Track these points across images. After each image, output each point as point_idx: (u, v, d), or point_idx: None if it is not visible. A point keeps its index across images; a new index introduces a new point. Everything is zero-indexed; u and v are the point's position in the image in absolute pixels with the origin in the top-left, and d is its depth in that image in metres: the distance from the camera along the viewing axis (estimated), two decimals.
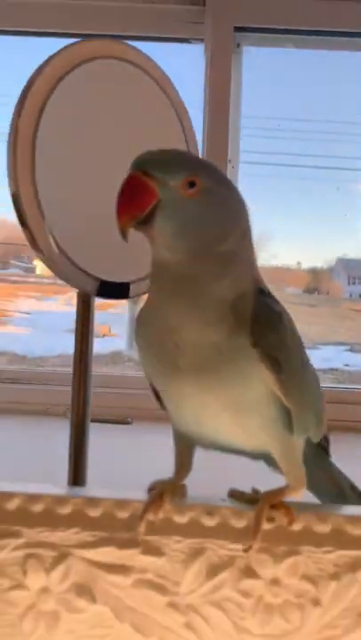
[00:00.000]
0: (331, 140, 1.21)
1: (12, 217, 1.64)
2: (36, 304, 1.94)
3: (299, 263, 1.65)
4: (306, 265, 1.67)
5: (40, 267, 1.99)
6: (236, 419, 0.45)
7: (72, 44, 0.52)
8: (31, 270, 1.99)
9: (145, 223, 0.41)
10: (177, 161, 0.43)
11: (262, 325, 0.43)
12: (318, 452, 0.55)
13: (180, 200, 0.41)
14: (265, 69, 1.03)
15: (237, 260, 0.44)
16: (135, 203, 0.41)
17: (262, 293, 0.45)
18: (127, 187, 0.40)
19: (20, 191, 0.55)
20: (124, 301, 1.82)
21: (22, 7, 0.92)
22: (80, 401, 0.59)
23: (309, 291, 1.72)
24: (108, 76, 0.55)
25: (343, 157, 1.25)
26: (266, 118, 1.11)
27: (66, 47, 0.52)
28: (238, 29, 0.95)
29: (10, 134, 0.54)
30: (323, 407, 0.52)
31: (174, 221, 0.42)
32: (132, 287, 0.61)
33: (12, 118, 0.54)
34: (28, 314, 1.93)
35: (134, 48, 0.56)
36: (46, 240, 0.57)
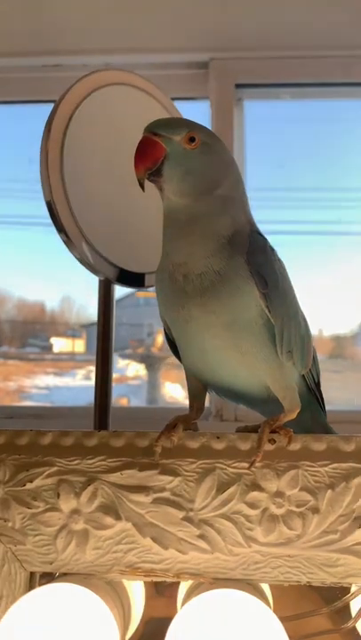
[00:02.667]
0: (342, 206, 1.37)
1: (30, 297, 1.84)
2: (54, 380, 2.09)
3: (320, 331, 1.80)
4: (328, 332, 1.82)
5: (57, 345, 2.18)
6: (234, 339, 0.59)
7: (89, 74, 0.74)
8: (48, 348, 2.17)
9: (156, 175, 0.59)
10: (178, 121, 0.62)
11: (254, 250, 0.59)
12: (312, 401, 0.68)
13: (184, 152, 0.58)
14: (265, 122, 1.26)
15: (233, 203, 0.61)
16: (147, 157, 0.57)
17: (257, 233, 0.61)
18: (141, 146, 0.58)
19: (53, 199, 0.74)
20: (142, 373, 1.98)
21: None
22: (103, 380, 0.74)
23: (333, 357, 1.86)
24: (119, 99, 0.76)
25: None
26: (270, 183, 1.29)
27: (83, 76, 0.74)
28: (239, 86, 1.19)
29: (41, 150, 0.74)
30: (309, 342, 0.65)
31: (179, 169, 0.58)
32: (147, 277, 0.78)
33: (42, 139, 0.74)
34: (47, 389, 2.09)
35: (140, 76, 0.78)
36: (79, 240, 0.75)
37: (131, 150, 0.75)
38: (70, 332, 2.14)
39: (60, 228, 0.73)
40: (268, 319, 0.59)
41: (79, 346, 2.13)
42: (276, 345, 0.59)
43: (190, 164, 0.58)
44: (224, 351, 0.60)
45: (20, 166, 1.36)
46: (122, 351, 2.01)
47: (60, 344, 2.16)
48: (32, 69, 1.12)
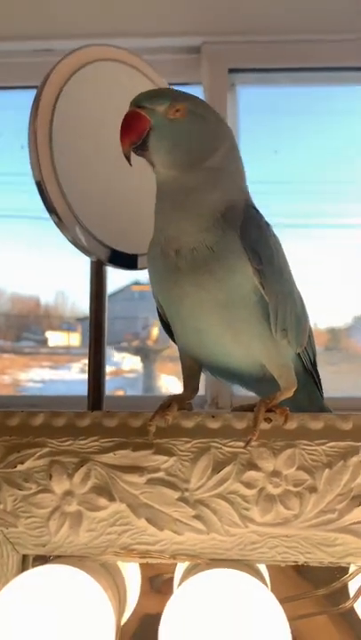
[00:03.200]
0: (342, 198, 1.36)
1: (25, 291, 1.83)
2: (49, 373, 2.08)
3: (315, 323, 1.80)
4: (323, 325, 1.82)
5: (52, 338, 2.17)
6: (228, 317, 0.57)
7: (76, 50, 0.73)
8: (43, 342, 2.16)
9: (143, 149, 0.57)
10: (163, 92, 0.61)
11: (248, 225, 0.57)
12: (308, 381, 0.66)
13: (168, 122, 0.56)
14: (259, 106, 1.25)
15: (225, 175, 0.59)
16: (132, 130, 0.56)
17: (252, 208, 0.60)
18: (125, 120, 0.57)
19: (43, 179, 0.73)
20: (138, 366, 1.97)
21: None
22: (95, 354, 0.73)
23: (329, 349, 1.86)
24: (108, 75, 0.75)
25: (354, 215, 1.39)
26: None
27: (70, 52, 0.72)
28: (232, 71, 1.17)
29: (30, 131, 0.72)
30: (305, 320, 0.64)
31: (165, 140, 0.56)
32: (139, 259, 0.77)
33: (30, 118, 0.71)
34: (42, 382, 2.08)
35: (129, 51, 0.77)
36: (71, 220, 0.73)
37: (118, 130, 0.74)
38: (65, 325, 2.13)
39: (51, 209, 0.71)
40: (263, 296, 0.57)
41: (74, 339, 2.12)
42: (271, 323, 0.58)
43: (176, 135, 0.57)
44: (218, 329, 0.58)
45: (13, 154, 1.34)
46: (117, 345, 2.00)
47: (55, 337, 2.15)
48: (22, 54, 1.11)
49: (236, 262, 0.56)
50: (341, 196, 1.36)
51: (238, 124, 1.21)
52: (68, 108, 0.71)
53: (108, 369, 2.00)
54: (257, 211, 0.61)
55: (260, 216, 0.60)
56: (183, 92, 0.59)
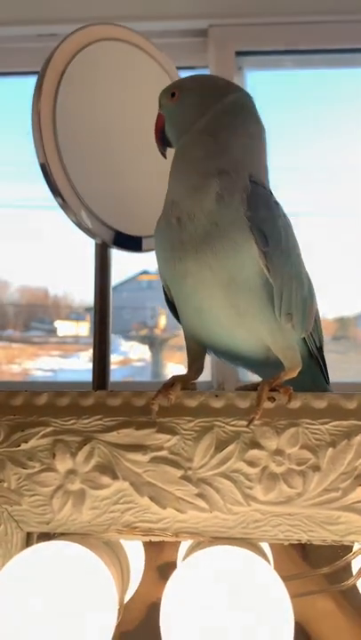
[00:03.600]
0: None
1: (33, 283, 1.83)
2: (58, 362, 2.09)
3: (324, 314, 1.80)
4: (332, 314, 1.82)
5: (61, 328, 2.18)
6: (231, 298, 0.57)
7: (79, 29, 0.73)
8: (52, 331, 2.17)
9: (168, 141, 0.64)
10: (168, 86, 0.64)
11: (255, 203, 0.56)
12: (313, 366, 0.66)
13: (169, 108, 0.63)
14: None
15: (215, 140, 0.59)
16: (155, 130, 0.65)
17: (259, 185, 0.59)
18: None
19: (48, 161, 0.73)
20: (146, 355, 1.98)
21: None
22: (101, 335, 0.73)
23: (337, 338, 1.86)
24: (112, 55, 0.75)
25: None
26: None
27: (74, 31, 0.72)
28: (239, 54, 1.17)
29: (33, 112, 0.72)
30: (311, 304, 0.63)
31: (169, 123, 0.63)
32: (144, 241, 0.77)
33: (33, 99, 0.72)
34: (51, 371, 2.09)
35: (133, 31, 0.77)
36: (75, 202, 0.73)
37: (126, 108, 0.74)
38: (74, 315, 2.14)
39: (56, 191, 0.71)
40: (268, 279, 0.57)
41: (83, 329, 2.13)
42: (275, 306, 0.57)
43: (175, 115, 0.62)
44: (221, 310, 0.58)
45: (19, 142, 1.34)
46: (126, 334, 2.00)
47: (64, 327, 2.16)
48: (26, 39, 1.10)
49: (240, 241, 0.55)
50: (352, 183, 1.35)
51: None
52: (72, 88, 0.71)
53: (117, 358, 2.01)
54: (265, 188, 0.60)
55: (269, 193, 0.59)
56: (182, 78, 0.64)
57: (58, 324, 2.16)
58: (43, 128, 0.71)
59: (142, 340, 1.96)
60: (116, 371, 1.99)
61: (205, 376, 1.18)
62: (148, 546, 0.69)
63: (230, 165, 0.58)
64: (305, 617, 0.74)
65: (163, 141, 0.64)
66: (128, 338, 2.00)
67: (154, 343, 1.90)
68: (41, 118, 0.70)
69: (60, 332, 2.14)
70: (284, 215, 0.60)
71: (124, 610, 0.66)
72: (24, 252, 1.65)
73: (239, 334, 0.59)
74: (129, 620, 0.72)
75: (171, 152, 0.63)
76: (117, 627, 0.71)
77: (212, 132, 0.60)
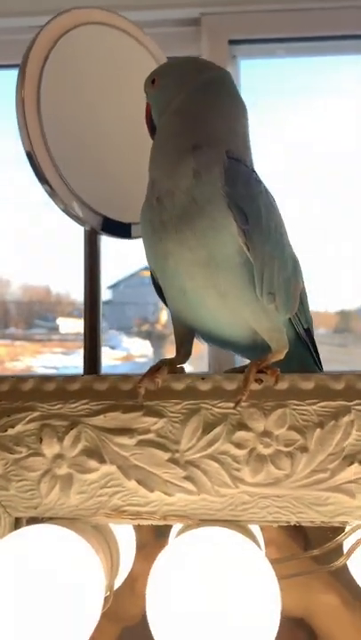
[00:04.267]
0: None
1: (35, 281, 1.83)
2: (61, 359, 2.10)
3: (326, 306, 1.80)
4: (333, 308, 1.81)
5: (64, 325, 2.18)
6: (212, 278, 0.56)
7: (63, 12, 0.72)
8: (55, 329, 2.17)
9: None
10: (149, 75, 0.65)
11: (234, 180, 0.56)
12: (301, 349, 0.65)
13: (151, 95, 0.64)
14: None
15: (189, 117, 0.59)
16: (145, 117, 0.66)
17: (239, 161, 0.58)
18: None
19: (33, 149, 0.73)
20: (148, 351, 1.98)
21: None
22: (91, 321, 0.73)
23: (339, 331, 1.85)
24: (96, 39, 0.74)
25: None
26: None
27: (57, 15, 0.72)
28: (233, 42, 1.16)
29: (17, 100, 0.71)
30: (296, 284, 0.62)
31: (153, 110, 0.64)
32: (133, 228, 0.77)
33: (16, 86, 0.71)
34: (54, 369, 2.09)
35: (119, 15, 0.77)
36: (63, 190, 0.73)
37: (113, 94, 0.74)
38: (77, 312, 2.14)
39: (43, 179, 0.71)
40: (249, 257, 0.56)
41: None
42: (256, 285, 0.56)
43: (154, 99, 0.63)
44: (202, 291, 0.57)
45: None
46: (128, 330, 2.00)
47: (66, 324, 2.16)
48: (16, 31, 1.10)
49: (219, 219, 0.55)
50: (352, 174, 1.34)
51: None
52: (56, 74, 0.71)
53: (120, 354, 2.00)
54: (246, 166, 0.59)
55: (249, 171, 0.59)
56: (163, 63, 0.67)
57: (60, 321, 2.16)
58: (27, 115, 0.71)
59: (144, 335, 1.96)
60: (119, 367, 1.99)
61: (202, 366, 1.18)
62: (146, 530, 0.69)
63: (205, 140, 0.58)
64: (309, 612, 0.73)
65: (153, 129, 0.64)
66: (130, 334, 2.00)
67: (155, 339, 1.90)
68: (25, 105, 0.70)
69: (62, 330, 2.15)
70: (267, 193, 0.59)
71: (126, 602, 0.66)
72: (26, 250, 1.65)
73: (222, 316, 0.58)
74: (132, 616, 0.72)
75: (140, 130, 0.66)
76: (120, 621, 0.72)
77: (185, 110, 0.60)
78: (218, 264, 0.56)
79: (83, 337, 0.74)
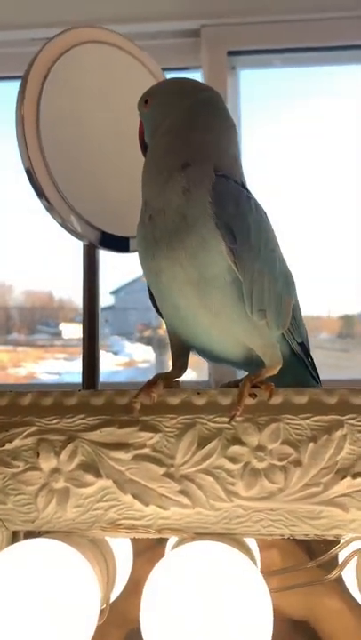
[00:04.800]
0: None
1: (38, 286, 1.84)
2: (64, 365, 2.10)
3: (329, 311, 1.80)
4: (336, 313, 1.82)
5: (66, 330, 2.19)
6: (202, 296, 0.57)
7: (60, 33, 0.73)
8: (57, 334, 2.18)
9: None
10: (142, 95, 0.66)
11: (222, 199, 0.56)
12: (295, 364, 0.65)
13: (144, 115, 0.65)
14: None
15: (179, 137, 0.60)
16: (138, 135, 0.67)
17: (228, 179, 0.59)
18: None
19: (32, 166, 0.74)
20: (151, 356, 1.98)
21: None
22: (90, 335, 0.74)
23: (342, 336, 1.86)
24: (96, 58, 0.76)
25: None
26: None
27: (57, 35, 0.73)
28: (232, 53, 1.17)
29: (17, 117, 0.73)
30: (288, 300, 0.62)
31: (145, 129, 0.65)
32: (131, 241, 0.78)
33: (17, 104, 0.72)
34: (57, 374, 2.10)
35: (117, 33, 0.78)
36: (61, 204, 0.74)
37: (111, 110, 0.75)
38: (79, 317, 2.14)
39: (41, 194, 0.72)
40: (238, 276, 0.56)
41: None
42: (245, 303, 0.57)
43: (147, 119, 0.64)
44: (195, 309, 0.58)
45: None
46: (130, 335, 2.01)
47: (69, 330, 2.17)
48: (17, 43, 1.12)
49: (208, 238, 0.55)
50: (353, 179, 1.35)
51: (239, 108, 1.21)
52: (56, 92, 0.72)
53: (122, 359, 2.01)
54: (235, 182, 0.60)
55: (238, 188, 0.59)
56: (156, 84, 0.67)
57: (63, 326, 2.17)
58: (27, 132, 0.72)
59: (146, 341, 1.97)
60: (121, 372, 2.00)
61: (203, 376, 1.18)
62: (144, 542, 0.69)
63: (194, 158, 0.59)
64: (313, 616, 0.74)
65: (145, 148, 0.66)
66: (132, 339, 2.01)
67: (158, 344, 1.91)
68: (25, 122, 0.71)
69: (65, 335, 2.15)
70: (257, 209, 0.60)
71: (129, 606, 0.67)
72: (29, 255, 1.66)
73: (215, 333, 0.59)
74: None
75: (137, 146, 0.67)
76: (125, 624, 0.72)
77: (175, 130, 0.60)
78: (208, 282, 0.57)
79: (81, 347, 0.75)
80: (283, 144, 1.34)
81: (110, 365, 1.95)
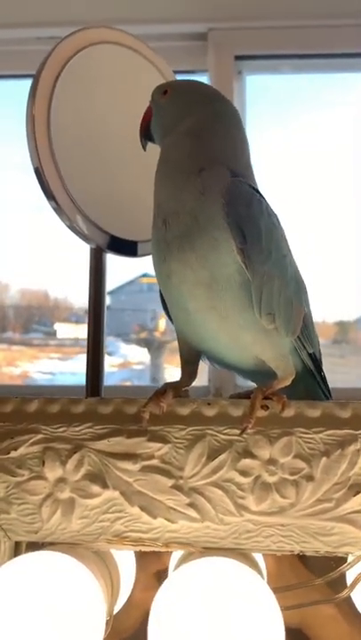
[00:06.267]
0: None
1: (34, 286, 1.82)
2: (58, 365, 2.08)
3: (324, 317, 1.79)
4: (332, 319, 1.82)
5: (61, 330, 2.17)
6: (212, 299, 0.56)
7: (73, 33, 0.72)
8: (52, 334, 2.16)
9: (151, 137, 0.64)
10: (164, 83, 0.65)
11: (236, 200, 0.55)
12: (307, 375, 0.64)
13: (159, 105, 0.63)
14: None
15: (198, 140, 0.59)
16: (142, 121, 0.65)
17: (242, 182, 0.58)
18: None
19: (42, 165, 0.72)
20: (146, 358, 1.97)
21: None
22: (95, 338, 0.72)
23: (337, 342, 1.85)
24: (107, 58, 0.74)
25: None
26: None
27: (68, 35, 0.71)
28: (239, 58, 1.16)
29: (27, 117, 0.71)
30: (298, 305, 0.60)
31: (156, 119, 0.64)
32: (139, 246, 0.76)
33: (27, 103, 0.70)
34: (51, 374, 2.08)
35: (129, 34, 0.76)
36: (69, 206, 0.72)
37: (123, 112, 0.73)
38: (74, 317, 2.13)
39: (50, 195, 0.70)
40: (249, 279, 0.55)
41: (83, 331, 2.11)
42: (254, 305, 0.55)
43: (162, 114, 0.63)
44: (205, 312, 0.57)
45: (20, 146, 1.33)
46: (125, 336, 1.99)
47: (64, 329, 2.15)
48: (26, 42, 1.10)
49: (219, 238, 0.54)
50: (352, 186, 1.34)
51: (245, 112, 1.20)
52: (67, 92, 0.70)
53: (117, 361, 2.00)
54: (250, 186, 0.59)
55: (252, 191, 0.58)
56: (178, 80, 0.66)
57: (57, 326, 2.15)
58: (37, 132, 0.70)
59: (142, 342, 1.95)
60: (115, 373, 1.98)
61: (202, 381, 1.17)
62: (144, 552, 0.67)
63: (210, 163, 0.58)
64: (306, 623, 0.72)
65: (146, 135, 0.65)
66: (128, 340, 2.00)
67: (153, 346, 1.89)
68: (35, 122, 0.69)
69: (59, 335, 2.13)
70: (269, 213, 0.59)
71: (121, 616, 0.65)
72: (25, 253, 1.65)
73: (224, 338, 0.58)
74: (125, 629, 0.71)
75: (150, 146, 0.66)
76: (112, 635, 0.70)
77: (195, 133, 0.60)
78: (218, 284, 0.55)
79: (86, 348, 0.74)
80: (284, 151, 1.33)
81: (105, 366, 1.93)
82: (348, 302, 1.62)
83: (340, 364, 1.83)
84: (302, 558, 0.69)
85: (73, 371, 2.07)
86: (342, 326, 1.84)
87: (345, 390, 1.19)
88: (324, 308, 1.67)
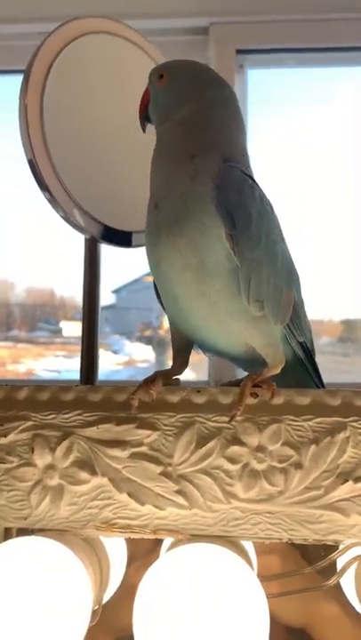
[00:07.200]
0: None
1: (39, 284, 1.83)
2: (63, 362, 2.09)
3: (330, 315, 1.79)
4: (338, 317, 1.81)
5: (66, 328, 2.17)
6: (200, 285, 0.56)
7: (64, 23, 0.72)
8: (57, 332, 2.16)
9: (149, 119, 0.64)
10: (161, 65, 0.65)
11: (226, 185, 0.55)
12: (297, 365, 0.63)
13: (157, 89, 0.62)
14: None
15: (193, 127, 0.59)
16: (140, 104, 0.65)
17: (235, 168, 0.58)
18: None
19: (35, 157, 0.72)
20: (151, 356, 1.97)
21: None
22: (89, 330, 0.72)
23: (343, 340, 1.84)
24: (101, 48, 0.74)
25: None
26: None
27: (62, 24, 0.72)
28: (240, 52, 1.16)
29: (20, 107, 0.71)
30: (288, 293, 0.60)
31: (153, 101, 0.63)
32: (134, 236, 0.76)
33: (20, 94, 0.71)
34: (56, 372, 2.08)
35: (123, 23, 0.76)
36: (63, 197, 0.73)
37: (116, 103, 0.73)
38: (79, 315, 2.13)
39: (43, 186, 0.71)
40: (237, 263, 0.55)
41: None
42: (242, 292, 0.55)
43: (160, 99, 0.62)
44: (193, 299, 0.56)
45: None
46: (130, 334, 2.00)
47: (69, 327, 2.15)
48: (27, 36, 1.10)
49: (208, 223, 0.54)
50: (354, 184, 1.33)
51: (247, 106, 1.19)
52: (60, 82, 0.70)
53: (122, 358, 2.00)
54: (243, 172, 0.58)
55: (244, 177, 0.58)
56: (175, 61, 0.64)
57: (63, 324, 2.16)
58: (30, 123, 0.70)
59: (146, 340, 1.95)
60: (121, 371, 1.98)
61: (203, 375, 1.17)
62: (136, 541, 0.67)
63: (204, 150, 0.58)
64: (309, 621, 0.72)
65: (146, 116, 0.65)
66: (132, 339, 2.00)
67: (158, 344, 1.89)
68: (28, 113, 0.70)
69: (65, 333, 2.14)
70: (262, 199, 0.58)
71: (111, 604, 0.65)
72: (31, 252, 1.65)
73: (213, 326, 0.58)
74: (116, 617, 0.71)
75: (143, 138, 0.66)
76: (114, 631, 0.70)
77: (190, 122, 0.59)
78: (207, 270, 0.55)
79: (80, 345, 0.73)
80: (286, 144, 1.32)
81: (110, 364, 1.94)
82: (354, 300, 1.61)
83: (345, 363, 1.83)
84: (304, 554, 0.69)
85: (78, 368, 2.07)
86: (349, 325, 1.84)
87: (351, 386, 1.17)
88: (331, 307, 1.67)
